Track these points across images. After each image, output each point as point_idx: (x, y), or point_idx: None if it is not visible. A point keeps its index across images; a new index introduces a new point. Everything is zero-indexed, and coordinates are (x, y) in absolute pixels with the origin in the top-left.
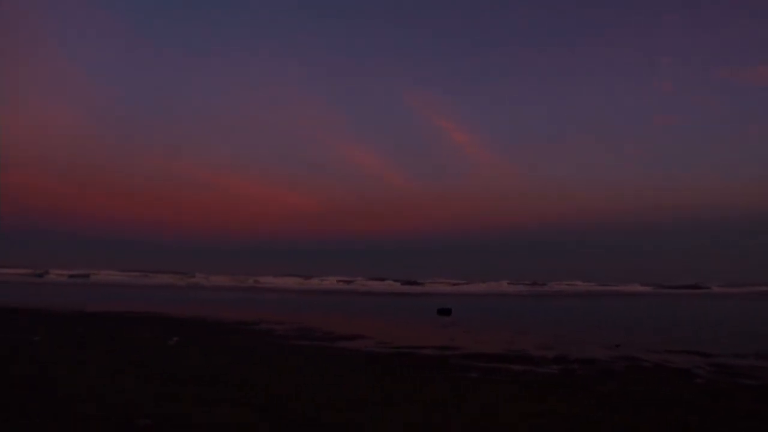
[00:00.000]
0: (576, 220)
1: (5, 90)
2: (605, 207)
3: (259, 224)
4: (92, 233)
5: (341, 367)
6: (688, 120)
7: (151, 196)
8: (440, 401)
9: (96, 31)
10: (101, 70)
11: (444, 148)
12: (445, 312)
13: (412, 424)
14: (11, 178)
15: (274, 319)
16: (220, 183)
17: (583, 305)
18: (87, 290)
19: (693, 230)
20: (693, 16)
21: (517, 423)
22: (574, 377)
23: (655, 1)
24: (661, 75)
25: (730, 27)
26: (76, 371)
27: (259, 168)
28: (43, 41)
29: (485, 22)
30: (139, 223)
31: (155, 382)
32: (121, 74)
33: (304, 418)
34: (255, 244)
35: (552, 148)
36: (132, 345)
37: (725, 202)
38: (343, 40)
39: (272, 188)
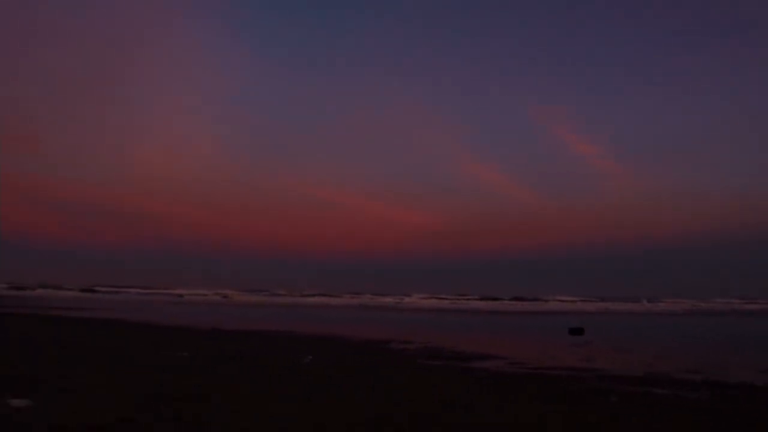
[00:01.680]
0: (714, 232)
1: (152, 122)
2: (746, 218)
3: (385, 243)
4: (224, 255)
5: (474, 387)
6: None
7: (280, 217)
8: (583, 427)
9: (231, 58)
10: (238, 96)
11: (570, 161)
12: (577, 331)
13: None
14: (156, 207)
15: (404, 338)
16: (345, 202)
17: (728, 324)
18: (221, 309)
19: None
20: None
21: None
22: (727, 404)
23: None
24: None
25: None
26: (215, 385)
27: (384, 187)
28: (180, 70)
29: (606, 32)
30: (268, 243)
31: (296, 401)
32: (256, 99)
33: None
34: (380, 263)
35: (682, 157)
36: (268, 362)
37: None
38: (467, 56)
39: (397, 207)
